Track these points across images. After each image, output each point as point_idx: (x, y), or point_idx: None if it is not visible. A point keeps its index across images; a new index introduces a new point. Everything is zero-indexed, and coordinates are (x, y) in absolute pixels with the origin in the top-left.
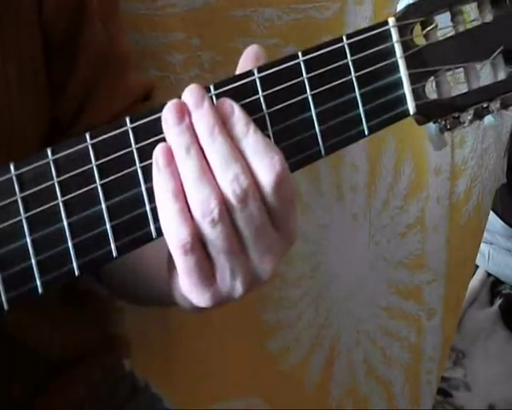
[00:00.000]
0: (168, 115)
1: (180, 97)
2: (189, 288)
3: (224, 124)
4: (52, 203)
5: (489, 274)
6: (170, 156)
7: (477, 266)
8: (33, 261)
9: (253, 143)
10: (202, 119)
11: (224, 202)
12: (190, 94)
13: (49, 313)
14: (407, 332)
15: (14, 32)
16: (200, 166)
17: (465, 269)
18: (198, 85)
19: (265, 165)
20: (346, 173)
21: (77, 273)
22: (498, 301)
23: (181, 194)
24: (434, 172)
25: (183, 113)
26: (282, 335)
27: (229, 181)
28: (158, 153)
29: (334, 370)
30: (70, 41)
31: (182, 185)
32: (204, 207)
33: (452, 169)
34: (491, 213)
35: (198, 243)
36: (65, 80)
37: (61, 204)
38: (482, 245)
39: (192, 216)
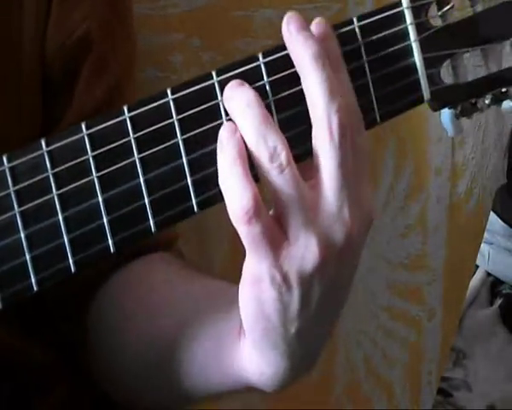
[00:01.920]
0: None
1: None
2: (257, 259)
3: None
4: (47, 197)
5: (489, 274)
6: (233, 128)
7: (477, 266)
8: (28, 257)
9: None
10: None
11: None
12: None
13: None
14: (407, 332)
15: (15, 78)
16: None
17: (465, 269)
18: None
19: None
20: None
21: (73, 270)
22: (498, 301)
23: (242, 155)
24: (435, 172)
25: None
26: None
27: (334, 111)
28: (222, 129)
29: (334, 369)
30: (67, 85)
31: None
32: (270, 149)
33: (453, 169)
34: (492, 213)
35: (263, 208)
36: (62, 112)
37: (56, 197)
38: (482, 245)
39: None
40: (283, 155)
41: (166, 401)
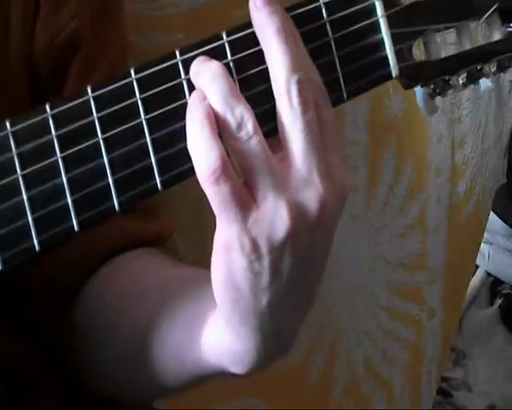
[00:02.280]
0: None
1: None
2: (227, 223)
3: None
4: (51, 159)
5: (489, 274)
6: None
7: (477, 266)
8: (30, 219)
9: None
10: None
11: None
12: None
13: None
14: (407, 332)
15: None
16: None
17: (465, 269)
18: None
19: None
20: None
21: (76, 229)
22: (498, 301)
23: (210, 118)
24: (434, 172)
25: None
26: None
27: (294, 82)
28: (192, 95)
29: (334, 370)
30: (56, 83)
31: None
32: (237, 119)
33: (452, 169)
34: (491, 213)
35: (230, 168)
36: None
37: (59, 160)
38: (482, 245)
39: (222, 140)
40: (250, 123)
41: (147, 390)
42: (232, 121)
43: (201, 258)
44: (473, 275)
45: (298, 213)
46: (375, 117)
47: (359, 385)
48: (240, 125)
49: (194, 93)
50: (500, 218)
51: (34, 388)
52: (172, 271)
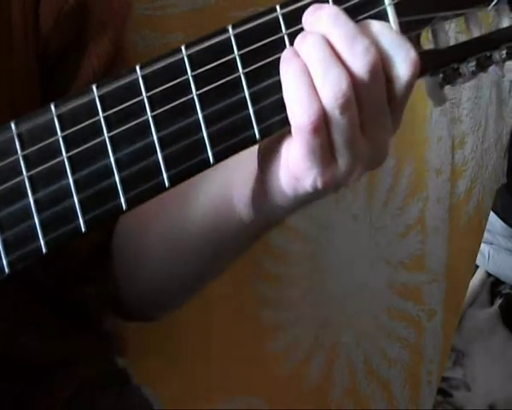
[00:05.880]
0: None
1: None
2: (306, 168)
3: None
4: (57, 160)
5: (489, 274)
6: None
7: (477, 266)
8: (36, 220)
9: (379, 29)
10: (325, 10)
11: (354, 85)
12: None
13: (37, 324)
14: (407, 333)
15: (5, 55)
16: (326, 50)
17: (465, 269)
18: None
19: (401, 54)
20: None
21: (83, 230)
22: (498, 301)
23: (308, 73)
24: (434, 172)
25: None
26: (282, 335)
27: (360, 53)
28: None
29: (334, 370)
30: (70, 55)
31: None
32: (335, 88)
33: (452, 170)
34: (492, 213)
35: (325, 125)
36: (65, 92)
37: (65, 160)
38: (482, 245)
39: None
40: (348, 92)
41: (190, 280)
42: (330, 85)
43: None
44: (473, 275)
45: (367, 167)
46: None
47: (359, 385)
48: (338, 94)
49: (286, 50)
50: (500, 218)
51: (49, 374)
52: None
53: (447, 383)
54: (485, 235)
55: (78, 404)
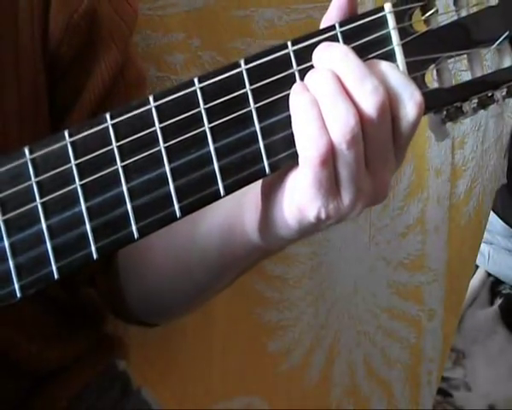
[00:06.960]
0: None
1: None
2: (311, 199)
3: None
4: (70, 187)
5: (489, 274)
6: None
7: (477, 266)
8: (49, 246)
9: (387, 69)
10: (336, 48)
11: (361, 122)
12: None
13: (38, 328)
14: (407, 333)
15: (12, 65)
16: (336, 85)
17: (465, 269)
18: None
19: (407, 95)
20: None
21: (95, 257)
22: (498, 301)
23: (317, 106)
24: (435, 172)
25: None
26: (282, 335)
27: (369, 92)
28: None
29: (334, 370)
30: (79, 63)
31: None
32: (344, 123)
33: (452, 170)
34: (492, 213)
35: (332, 159)
36: (73, 101)
37: (79, 188)
38: (482, 245)
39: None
40: (356, 129)
41: (196, 291)
42: (338, 121)
43: None
44: (473, 275)
45: (370, 203)
46: None
47: (359, 385)
48: (346, 131)
49: (296, 84)
50: (500, 218)
51: (50, 378)
52: None
53: (447, 383)
54: (485, 235)
55: (79, 406)
